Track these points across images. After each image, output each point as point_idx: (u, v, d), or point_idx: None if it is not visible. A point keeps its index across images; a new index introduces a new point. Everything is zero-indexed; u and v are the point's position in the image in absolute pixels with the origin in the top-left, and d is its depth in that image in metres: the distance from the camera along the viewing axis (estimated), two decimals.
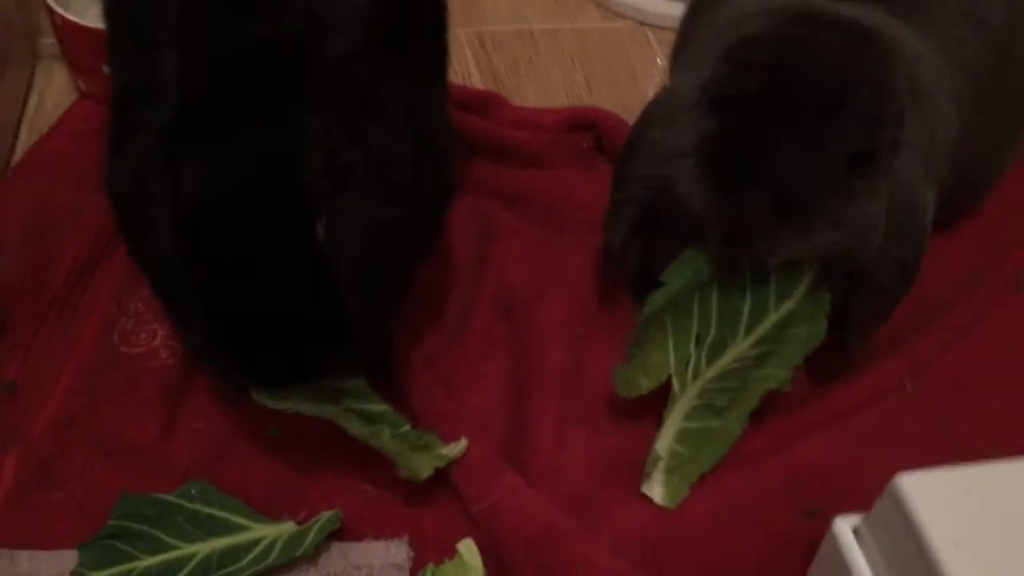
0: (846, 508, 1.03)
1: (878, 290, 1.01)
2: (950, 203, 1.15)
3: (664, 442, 1.04)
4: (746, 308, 1.00)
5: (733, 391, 1.02)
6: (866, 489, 1.05)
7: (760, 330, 1.00)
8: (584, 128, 1.42)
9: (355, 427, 0.93)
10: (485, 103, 1.46)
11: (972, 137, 1.12)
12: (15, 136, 1.41)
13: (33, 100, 1.49)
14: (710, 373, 1.02)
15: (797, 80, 0.89)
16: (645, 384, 1.03)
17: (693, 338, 1.02)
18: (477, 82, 1.60)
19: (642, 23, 1.75)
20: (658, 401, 1.06)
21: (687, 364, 1.03)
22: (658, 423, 1.06)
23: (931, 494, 0.76)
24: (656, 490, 1.03)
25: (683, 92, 0.98)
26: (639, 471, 1.05)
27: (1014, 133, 1.24)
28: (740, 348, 1.01)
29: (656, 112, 1.04)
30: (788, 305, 0.99)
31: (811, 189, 0.88)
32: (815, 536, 0.92)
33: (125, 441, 1.02)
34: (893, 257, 0.97)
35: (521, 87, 1.61)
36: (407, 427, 0.99)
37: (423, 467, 0.96)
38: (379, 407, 0.98)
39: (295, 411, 0.90)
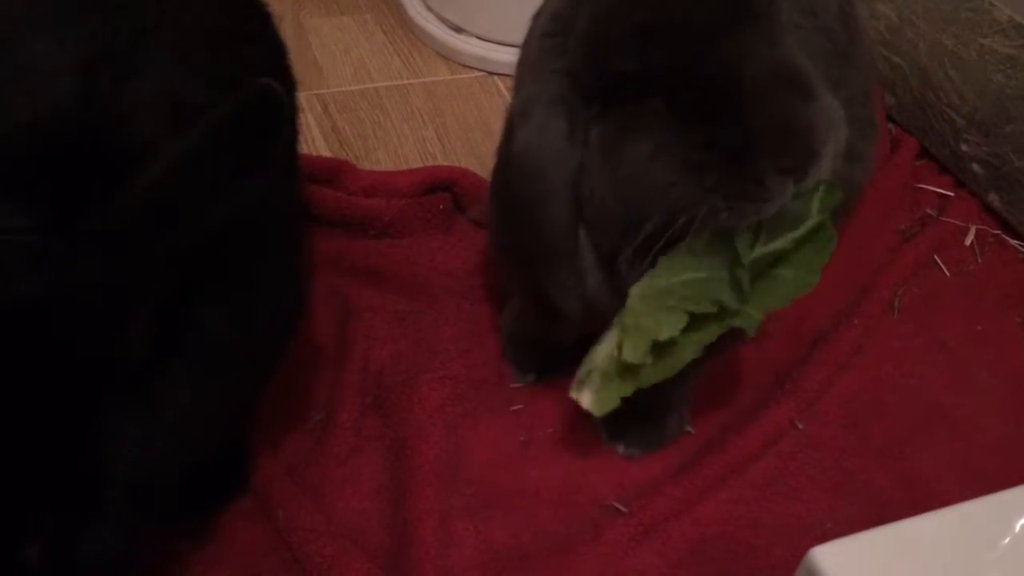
0: (754, 568, 0.99)
1: None
2: None
3: (605, 348, 0.86)
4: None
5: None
6: (772, 542, 1.01)
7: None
8: (440, 189, 1.34)
9: None
10: (333, 172, 1.36)
11: None
12: None
13: None
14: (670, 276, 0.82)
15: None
16: None
17: None
18: (323, 148, 1.50)
19: (490, 73, 1.70)
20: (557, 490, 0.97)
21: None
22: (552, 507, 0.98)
23: (848, 563, 0.70)
24: (585, 396, 0.88)
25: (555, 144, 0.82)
26: (532, 563, 0.96)
27: (862, 137, 1.22)
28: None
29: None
30: (788, 238, 0.83)
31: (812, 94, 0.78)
32: None
33: None
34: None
35: (370, 149, 1.52)
36: None
37: None
38: None
39: None
